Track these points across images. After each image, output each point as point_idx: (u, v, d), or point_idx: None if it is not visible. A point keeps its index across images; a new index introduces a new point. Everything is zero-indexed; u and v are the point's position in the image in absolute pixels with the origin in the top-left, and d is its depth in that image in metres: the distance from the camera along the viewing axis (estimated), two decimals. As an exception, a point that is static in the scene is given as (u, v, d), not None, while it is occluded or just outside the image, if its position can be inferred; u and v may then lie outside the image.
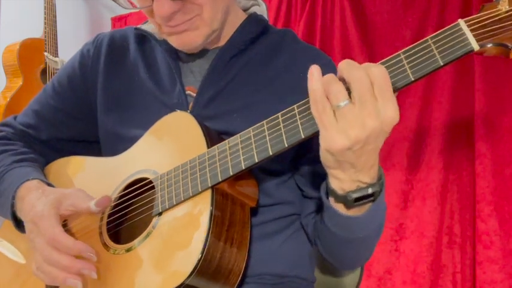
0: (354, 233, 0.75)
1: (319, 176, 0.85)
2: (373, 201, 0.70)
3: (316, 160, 0.85)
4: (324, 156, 0.65)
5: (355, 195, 0.67)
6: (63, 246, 0.73)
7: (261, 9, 0.97)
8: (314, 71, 0.62)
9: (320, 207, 0.86)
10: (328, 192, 0.72)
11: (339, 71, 0.61)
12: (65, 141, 1.01)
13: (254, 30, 0.91)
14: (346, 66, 0.60)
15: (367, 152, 0.62)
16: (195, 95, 0.88)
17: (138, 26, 0.96)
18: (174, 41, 0.85)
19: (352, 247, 0.81)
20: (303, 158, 0.87)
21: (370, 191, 0.67)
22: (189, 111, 0.87)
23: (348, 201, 0.68)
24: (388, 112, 0.58)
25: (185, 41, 0.84)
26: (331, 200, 0.72)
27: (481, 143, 1.85)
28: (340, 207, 0.71)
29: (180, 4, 0.78)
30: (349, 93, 0.60)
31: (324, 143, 0.62)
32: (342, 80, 0.61)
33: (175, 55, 0.91)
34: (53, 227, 0.74)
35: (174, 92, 0.89)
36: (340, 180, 0.67)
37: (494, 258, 1.79)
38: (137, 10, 0.85)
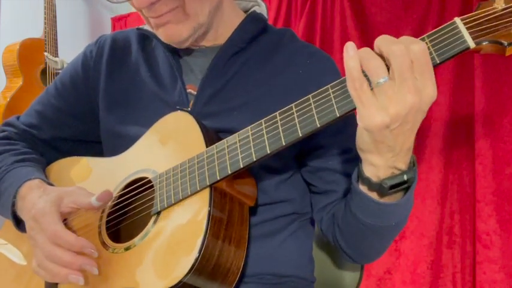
0: (386, 220, 0.75)
1: (331, 171, 0.86)
2: (407, 188, 0.70)
3: (326, 156, 0.86)
4: (361, 137, 0.65)
5: (390, 183, 0.67)
6: (65, 242, 0.73)
7: (261, 9, 0.97)
8: (349, 47, 0.61)
9: (338, 199, 0.86)
10: (359, 181, 0.72)
11: (376, 45, 0.60)
12: (66, 141, 1.01)
13: (254, 29, 0.91)
14: (384, 41, 0.59)
15: (404, 132, 0.62)
16: (195, 93, 0.89)
17: (140, 26, 0.96)
18: (161, 34, 0.86)
19: (381, 236, 0.80)
20: (311, 155, 0.88)
21: (405, 177, 0.67)
22: (189, 109, 0.87)
23: (384, 189, 0.68)
24: (428, 90, 0.58)
25: (170, 33, 0.84)
26: (364, 188, 0.71)
27: (481, 142, 1.85)
28: (373, 196, 0.71)
29: None
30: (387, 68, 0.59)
31: (362, 121, 0.61)
32: (379, 55, 0.60)
33: (176, 54, 0.92)
34: (54, 223, 0.75)
35: (175, 90, 0.90)
36: (376, 167, 0.67)
37: (494, 258, 1.79)
38: (123, 2, 0.85)
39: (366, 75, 0.60)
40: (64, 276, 0.73)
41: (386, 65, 0.59)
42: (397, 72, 0.57)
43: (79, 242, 0.74)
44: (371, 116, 0.60)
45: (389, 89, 0.58)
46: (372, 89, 0.60)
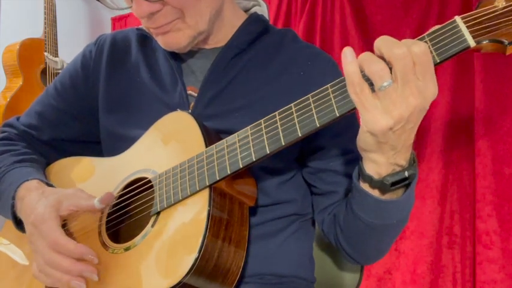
0: (387, 218, 0.75)
1: (333, 172, 0.87)
2: (407, 185, 0.70)
3: (327, 157, 0.86)
4: (364, 139, 0.65)
5: (392, 180, 0.68)
6: (65, 249, 0.74)
7: (262, 10, 0.97)
8: (347, 52, 0.60)
9: (339, 200, 0.87)
10: (361, 179, 0.72)
11: (376, 47, 0.59)
12: (66, 141, 1.01)
13: (255, 30, 0.91)
14: (385, 43, 0.59)
15: (407, 131, 0.62)
16: (196, 94, 0.89)
17: (140, 27, 0.96)
18: (160, 41, 0.87)
19: (382, 235, 0.80)
20: (312, 156, 0.88)
21: (406, 174, 0.68)
22: (190, 110, 0.87)
23: (385, 186, 0.68)
24: (429, 90, 0.59)
25: (169, 41, 0.85)
26: (366, 186, 0.71)
27: (481, 142, 1.84)
28: (375, 193, 0.71)
29: (159, 6, 0.79)
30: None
31: (366, 125, 0.62)
32: (380, 58, 0.59)
33: (177, 55, 0.92)
34: (54, 230, 0.75)
35: (175, 91, 0.90)
36: (377, 164, 0.67)
37: (494, 258, 1.79)
38: (122, 10, 0.86)
39: (365, 79, 0.60)
40: (66, 282, 0.74)
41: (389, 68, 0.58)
42: (400, 75, 0.57)
43: (78, 249, 0.74)
44: (375, 120, 0.60)
45: (393, 92, 0.58)
46: (372, 92, 0.60)
